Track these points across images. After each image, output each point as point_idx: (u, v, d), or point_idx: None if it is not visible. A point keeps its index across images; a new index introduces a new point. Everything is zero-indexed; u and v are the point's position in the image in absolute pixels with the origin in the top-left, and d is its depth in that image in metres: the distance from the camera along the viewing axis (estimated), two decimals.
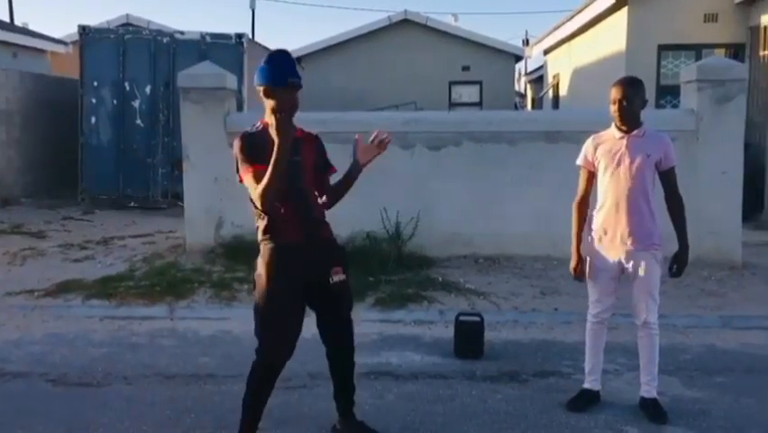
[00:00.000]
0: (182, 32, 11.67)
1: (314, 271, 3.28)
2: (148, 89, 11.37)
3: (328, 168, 3.49)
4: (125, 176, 11.36)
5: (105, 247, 8.08)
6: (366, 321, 5.57)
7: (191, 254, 7.35)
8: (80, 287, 6.35)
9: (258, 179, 3.08)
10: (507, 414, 3.90)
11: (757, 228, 8.74)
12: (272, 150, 2.99)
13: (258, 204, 3.11)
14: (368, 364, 4.66)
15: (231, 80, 7.75)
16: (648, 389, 3.92)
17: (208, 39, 11.44)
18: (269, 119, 3.18)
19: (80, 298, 6.12)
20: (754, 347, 5.00)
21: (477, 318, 4.92)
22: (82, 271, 6.93)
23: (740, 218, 7.04)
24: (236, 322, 5.62)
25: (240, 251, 7.14)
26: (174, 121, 10.99)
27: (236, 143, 3.23)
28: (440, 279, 6.47)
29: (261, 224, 3.29)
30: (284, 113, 3.06)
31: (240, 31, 11.70)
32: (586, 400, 3.99)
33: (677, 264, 3.85)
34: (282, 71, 3.19)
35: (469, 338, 4.83)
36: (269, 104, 3.22)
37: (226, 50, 11.27)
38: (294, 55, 13.23)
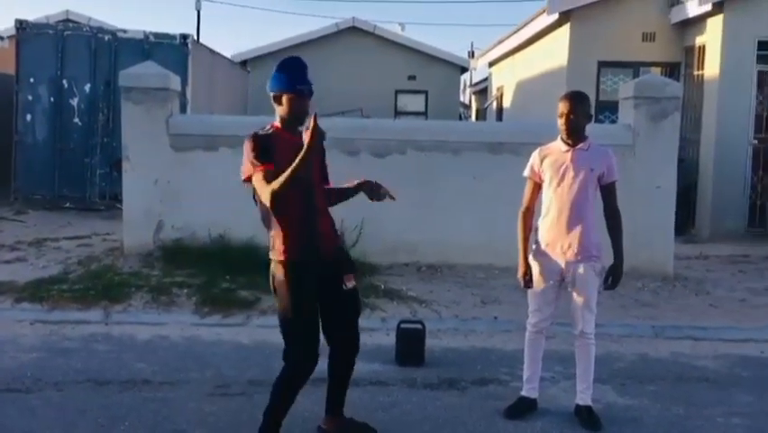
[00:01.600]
0: (125, 31, 11.40)
1: (327, 280, 3.34)
2: (87, 88, 11.06)
3: (327, 179, 3.55)
4: (61, 176, 11.00)
5: (38, 249, 7.81)
6: None
7: (129, 258, 7.18)
8: (10, 289, 6.12)
9: (268, 179, 3.09)
10: (446, 421, 3.93)
11: (688, 241, 9.05)
12: (282, 153, 3.11)
13: (268, 202, 3.11)
14: None
15: (174, 81, 7.62)
16: (583, 397, 4.00)
17: (152, 38, 11.21)
18: (280, 123, 3.30)
19: (10, 301, 5.91)
20: (684, 356, 5.17)
21: (418, 326, 4.95)
22: (13, 273, 6.68)
23: (672, 232, 7.28)
24: (174, 327, 5.52)
25: (180, 255, 7.02)
26: (114, 121, 10.71)
27: (248, 142, 3.22)
28: (383, 286, 6.48)
29: (277, 239, 3.28)
30: (293, 119, 3.25)
31: (185, 31, 11.52)
32: (523, 408, 4.05)
33: (612, 276, 3.94)
34: (291, 78, 3.28)
35: (410, 346, 4.85)
36: (279, 110, 3.30)
37: (170, 50, 11.05)
38: (239, 59, 13.25)
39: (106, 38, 11.19)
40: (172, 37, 11.27)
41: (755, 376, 4.81)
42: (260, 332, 5.45)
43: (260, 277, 6.39)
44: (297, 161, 3.03)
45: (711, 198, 9.65)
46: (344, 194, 3.58)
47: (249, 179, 3.22)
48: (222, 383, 4.42)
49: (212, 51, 13.47)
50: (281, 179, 3.06)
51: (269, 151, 3.17)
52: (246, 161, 3.21)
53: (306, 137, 3.02)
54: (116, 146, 10.32)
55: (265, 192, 3.11)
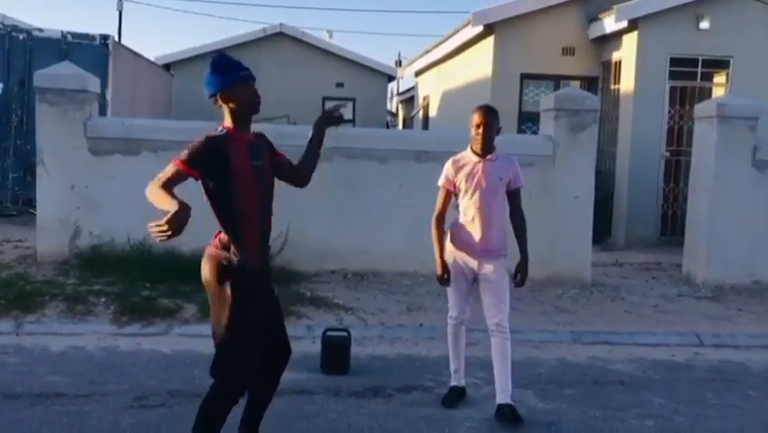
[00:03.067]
0: (41, 30, 10.97)
1: (265, 293, 3.23)
2: (0, 88, 10.58)
3: (280, 155, 3.38)
4: None
5: None
6: None
7: (42, 265, 6.88)
8: None
9: (171, 173, 2.90)
10: (371, 429, 3.94)
11: (605, 249, 9.37)
12: (227, 157, 2.96)
13: (147, 189, 2.89)
14: None
15: (93, 83, 7.37)
16: (504, 396, 4.13)
17: (70, 38, 10.82)
18: (231, 122, 3.12)
19: None
20: (601, 361, 5.34)
21: (344, 334, 4.94)
22: None
23: (590, 240, 7.53)
24: (90, 337, 5.33)
25: (98, 262, 6.79)
26: (29, 123, 10.26)
27: (197, 141, 3.01)
28: (308, 294, 6.44)
29: (223, 237, 3.09)
30: (247, 110, 3.11)
31: (105, 32, 11.18)
32: (455, 396, 4.35)
33: (520, 273, 4.27)
34: (231, 70, 3.12)
35: (335, 354, 4.84)
36: (228, 108, 3.12)
37: (90, 50, 10.70)
38: (163, 61, 12.93)
39: (21, 36, 10.74)
40: (92, 37, 10.91)
41: (666, 379, 5.01)
42: (181, 341, 5.34)
43: (181, 284, 6.28)
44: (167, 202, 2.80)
45: (626, 207, 10.03)
46: (313, 151, 3.51)
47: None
48: (141, 395, 4.29)
49: (134, 53, 13.11)
50: (158, 195, 2.84)
51: (209, 157, 2.98)
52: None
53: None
54: (30, 149, 9.90)
55: (154, 181, 2.89)
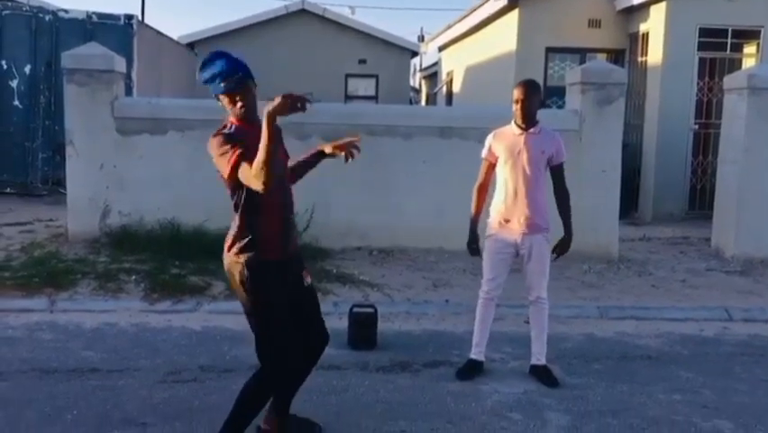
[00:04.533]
0: (66, 11, 11.05)
1: (292, 278, 3.26)
2: (27, 69, 10.70)
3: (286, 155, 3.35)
4: (2, 160, 10.64)
5: None
6: None
7: (74, 244, 7.01)
8: None
9: (248, 159, 2.84)
10: (399, 403, 3.98)
11: (632, 224, 9.29)
12: (252, 146, 2.81)
13: (261, 185, 2.79)
14: None
15: (120, 63, 7.43)
16: (539, 357, 4.36)
17: (95, 18, 10.89)
18: (238, 118, 3.09)
19: None
20: (628, 336, 5.33)
21: (371, 310, 4.98)
22: None
23: (617, 215, 7.47)
24: (122, 314, 5.44)
25: (127, 241, 6.89)
26: (56, 104, 10.38)
27: (213, 140, 3.00)
28: (334, 271, 6.49)
29: (242, 241, 3.09)
30: (251, 110, 3.09)
31: (129, 12, 11.22)
32: (472, 369, 4.38)
33: (561, 248, 4.36)
34: (229, 72, 3.06)
35: (362, 329, 4.88)
36: (231, 107, 3.09)
37: (114, 31, 10.76)
38: (186, 41, 12.95)
39: (47, 18, 10.83)
40: (116, 18, 10.97)
41: (694, 354, 4.99)
42: (210, 318, 5.42)
43: (209, 262, 6.36)
44: (263, 142, 2.73)
45: (654, 181, 9.92)
46: (309, 164, 3.52)
47: (231, 175, 2.95)
48: (172, 370, 4.38)
49: (158, 33, 13.17)
50: (260, 158, 2.75)
51: (236, 140, 2.98)
52: (218, 160, 2.99)
53: (282, 97, 2.71)
54: (59, 130, 10.04)
55: (255, 178, 2.80)
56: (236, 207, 3.11)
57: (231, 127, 3.09)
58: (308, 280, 3.38)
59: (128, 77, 9.43)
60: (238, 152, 2.91)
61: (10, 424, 3.60)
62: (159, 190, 7.09)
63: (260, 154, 2.75)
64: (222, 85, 3.04)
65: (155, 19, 50.24)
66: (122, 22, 10.94)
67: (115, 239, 6.97)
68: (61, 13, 10.96)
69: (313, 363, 3.46)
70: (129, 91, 9.66)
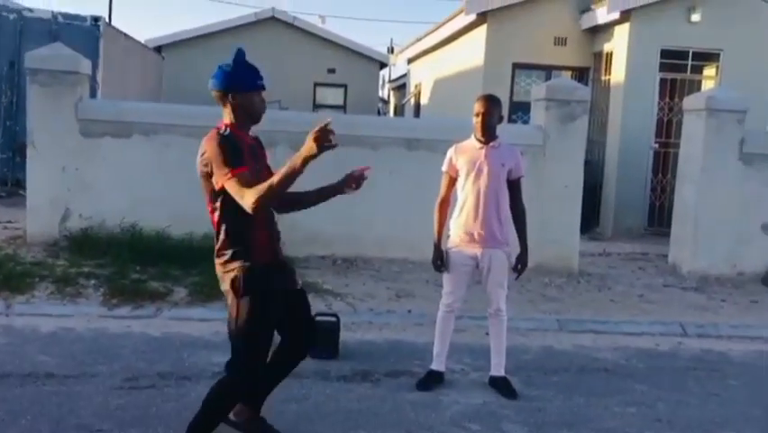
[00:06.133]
0: (31, 10, 10.88)
1: (283, 283, 3.25)
2: None
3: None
4: None
5: None
6: (220, 320, 5.45)
7: (32, 247, 6.87)
8: None
9: (247, 184, 2.90)
10: (358, 412, 3.99)
11: (592, 239, 9.45)
12: (247, 153, 2.98)
13: (251, 209, 2.89)
14: (221, 364, 4.52)
15: (85, 64, 7.33)
16: (498, 368, 4.41)
17: (60, 19, 10.73)
18: (234, 122, 3.13)
19: None
20: (586, 349, 5.42)
21: (333, 319, 4.98)
22: None
23: (578, 229, 7.60)
24: (80, 319, 5.35)
25: (87, 244, 6.78)
26: (18, 104, 10.21)
27: (214, 145, 2.98)
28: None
29: (230, 250, 3.09)
30: (253, 117, 3.15)
31: (95, 13, 11.09)
32: (432, 380, 4.41)
33: (520, 264, 4.39)
34: (252, 74, 3.16)
35: (324, 338, 4.86)
36: (235, 109, 3.11)
37: (80, 32, 10.62)
38: (154, 44, 12.83)
39: (11, 17, 10.64)
40: (82, 18, 10.83)
41: (649, 367, 5.10)
42: (171, 324, 5.37)
43: (171, 268, 6.31)
44: (287, 170, 2.84)
45: (615, 197, 10.11)
46: (322, 195, 3.48)
47: (222, 188, 2.99)
48: (130, 376, 4.33)
49: (125, 35, 13.02)
50: (270, 186, 2.85)
51: (238, 153, 2.98)
52: (214, 166, 2.98)
53: (311, 138, 2.85)
54: (20, 130, 9.86)
55: (248, 199, 2.88)
56: (216, 210, 3.10)
57: (225, 130, 3.09)
58: (300, 282, 3.41)
59: (93, 78, 9.30)
60: (244, 171, 2.94)
61: None
62: (121, 194, 7.01)
63: (271, 189, 2.85)
64: (259, 82, 3.19)
65: (123, 21, 49.63)
66: (88, 23, 10.81)
67: (75, 243, 6.85)
68: (26, 12, 10.79)
69: (296, 363, 3.51)
70: (94, 93, 9.54)
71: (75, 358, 4.58)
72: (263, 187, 2.87)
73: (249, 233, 3.10)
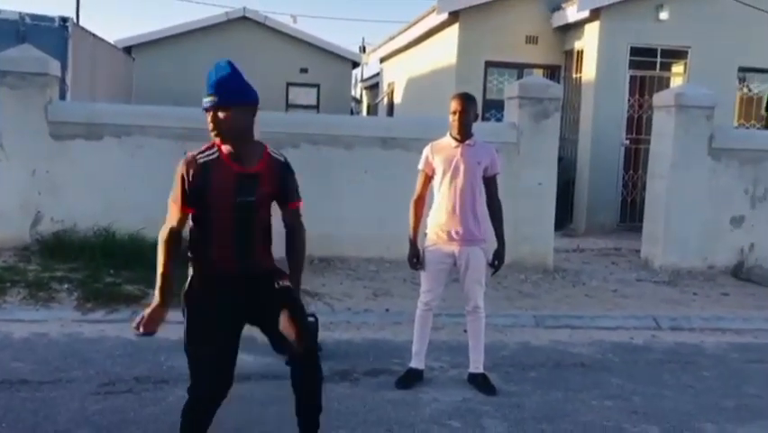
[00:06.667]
0: None
1: (252, 296, 3.09)
2: None
3: (288, 202, 3.22)
4: None
5: None
6: None
7: (2, 252, 6.75)
8: None
9: (174, 216, 2.95)
10: (338, 412, 3.99)
11: (566, 236, 9.55)
12: (206, 188, 2.89)
13: (160, 236, 3.00)
14: None
15: (54, 66, 7.23)
16: (477, 365, 4.43)
17: (28, 20, 10.54)
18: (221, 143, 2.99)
19: None
20: (563, 344, 5.48)
21: (311, 319, 4.96)
22: None
23: (552, 226, 7.67)
24: (54, 324, 5.28)
25: (59, 248, 6.69)
26: None
27: (182, 167, 2.92)
28: None
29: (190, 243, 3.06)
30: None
31: (63, 14, 10.93)
32: (411, 378, 4.43)
33: (497, 260, 4.41)
34: (243, 88, 3.07)
35: None
36: (224, 125, 2.95)
37: (48, 33, 10.43)
38: (123, 44, 12.69)
39: None
40: (50, 19, 10.65)
41: (625, 361, 5.17)
42: None
43: (146, 271, 6.22)
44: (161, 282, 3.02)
45: (587, 194, 10.23)
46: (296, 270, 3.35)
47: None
48: (107, 381, 4.28)
49: (94, 36, 12.84)
50: (161, 250, 2.98)
51: (199, 185, 2.90)
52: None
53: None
54: None
55: (164, 226, 2.99)
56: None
57: (210, 154, 3.00)
58: (281, 282, 3.19)
59: (62, 80, 9.17)
60: (178, 207, 2.96)
61: None
62: (93, 197, 6.92)
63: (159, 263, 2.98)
64: (254, 97, 3.12)
65: (91, 22, 49.02)
66: (56, 24, 10.62)
67: (47, 247, 6.76)
68: None
69: (300, 369, 3.28)
70: (63, 95, 9.39)
71: (49, 364, 4.52)
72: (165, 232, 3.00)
73: (209, 248, 3.03)
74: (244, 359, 4.63)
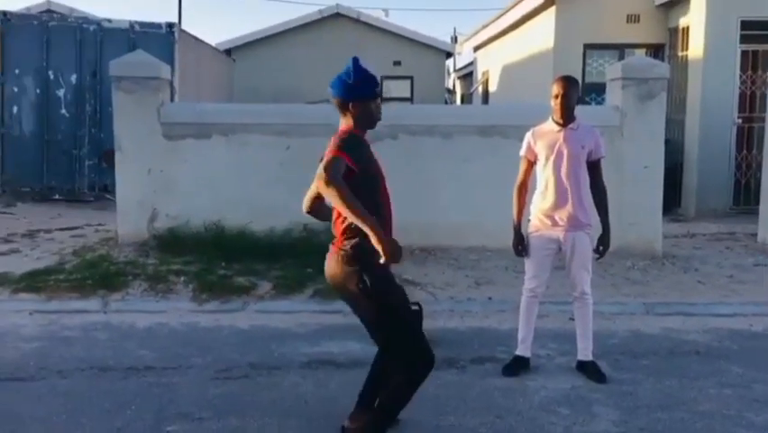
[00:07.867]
0: (110, 20, 11.33)
1: None
2: (74, 78, 10.99)
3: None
4: (50, 168, 10.95)
5: (32, 240, 7.80)
6: (305, 312, 5.62)
7: (123, 247, 7.19)
8: (7, 281, 6.12)
9: (335, 163, 2.98)
10: (447, 398, 4.02)
11: (675, 220, 9.19)
12: (369, 155, 3.19)
13: (321, 181, 2.94)
14: (308, 354, 4.71)
15: (165, 70, 7.61)
16: (586, 353, 4.36)
17: (137, 28, 11.15)
18: (358, 127, 3.24)
19: (8, 292, 5.92)
20: (675, 332, 5.28)
21: (416, 307, 5.01)
22: (7, 264, 6.67)
23: (660, 211, 7.39)
24: (173, 314, 5.57)
25: (175, 243, 7.05)
26: (102, 112, 10.68)
27: (341, 137, 3.14)
28: None
29: (350, 233, 3.21)
30: (372, 123, 3.28)
31: (169, 20, 11.46)
32: (518, 366, 4.39)
33: (602, 245, 4.32)
34: (368, 83, 3.27)
35: None
36: (356, 116, 3.23)
37: (157, 39, 11.00)
38: (224, 47, 13.19)
39: (92, 28, 11.11)
40: (158, 26, 11.21)
41: (745, 348, 4.93)
42: (257, 317, 5.53)
43: (255, 263, 6.49)
44: (362, 221, 2.98)
45: (696, 177, 9.79)
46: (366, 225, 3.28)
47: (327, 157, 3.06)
48: (224, 367, 4.49)
49: (197, 40, 13.41)
50: (342, 193, 2.91)
51: (360, 150, 3.15)
52: (331, 147, 3.09)
53: (390, 249, 3.07)
54: (104, 137, 10.32)
55: (324, 175, 2.94)
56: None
57: (349, 132, 3.23)
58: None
59: (170, 83, 9.63)
60: (344, 158, 3.03)
61: (72, 418, 3.73)
62: (204, 193, 7.24)
63: (340, 194, 2.92)
64: (377, 90, 3.29)
65: (191, 26, 50.95)
66: (164, 30, 11.17)
67: (163, 241, 7.13)
68: (105, 24, 11.23)
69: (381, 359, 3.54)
70: (171, 97, 9.86)
71: (171, 351, 4.77)
72: (340, 185, 2.93)
73: (382, 220, 3.21)
74: (352, 346, 4.78)
